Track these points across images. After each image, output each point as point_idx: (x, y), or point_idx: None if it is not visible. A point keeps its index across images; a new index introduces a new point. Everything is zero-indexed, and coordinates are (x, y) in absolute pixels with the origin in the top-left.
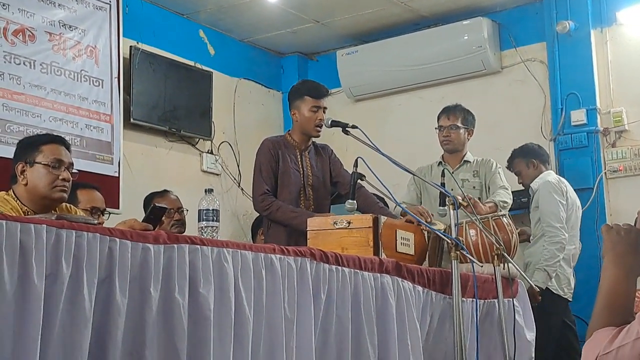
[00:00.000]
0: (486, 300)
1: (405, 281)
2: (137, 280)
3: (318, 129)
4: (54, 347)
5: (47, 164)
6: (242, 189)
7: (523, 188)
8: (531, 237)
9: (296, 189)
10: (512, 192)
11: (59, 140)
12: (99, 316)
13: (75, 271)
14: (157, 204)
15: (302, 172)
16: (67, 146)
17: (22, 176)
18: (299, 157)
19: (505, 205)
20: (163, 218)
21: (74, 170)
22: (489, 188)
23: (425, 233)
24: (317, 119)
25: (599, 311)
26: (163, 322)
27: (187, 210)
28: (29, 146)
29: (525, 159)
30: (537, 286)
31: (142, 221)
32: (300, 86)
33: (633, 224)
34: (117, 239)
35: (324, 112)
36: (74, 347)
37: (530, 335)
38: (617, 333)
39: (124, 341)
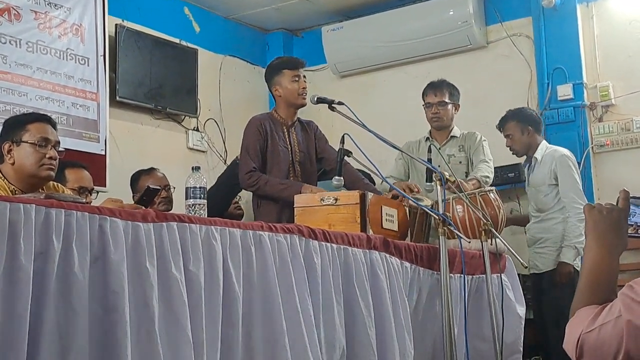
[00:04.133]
0: (474, 276)
1: (393, 257)
2: (132, 257)
3: (303, 97)
4: (48, 326)
5: (33, 143)
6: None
7: (511, 163)
8: (532, 212)
9: (285, 166)
10: (500, 167)
11: (45, 119)
12: (103, 293)
13: (64, 250)
14: (151, 186)
15: (290, 149)
16: (53, 124)
17: (8, 155)
18: (286, 133)
19: (487, 180)
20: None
21: (60, 149)
22: (472, 161)
23: (407, 209)
24: (300, 87)
25: (582, 289)
26: (165, 298)
27: (174, 188)
28: (15, 125)
29: (521, 123)
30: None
31: (135, 202)
32: (275, 63)
33: (615, 203)
34: (107, 217)
35: (305, 80)
36: (68, 324)
37: (521, 309)
38: (600, 311)
39: (131, 318)
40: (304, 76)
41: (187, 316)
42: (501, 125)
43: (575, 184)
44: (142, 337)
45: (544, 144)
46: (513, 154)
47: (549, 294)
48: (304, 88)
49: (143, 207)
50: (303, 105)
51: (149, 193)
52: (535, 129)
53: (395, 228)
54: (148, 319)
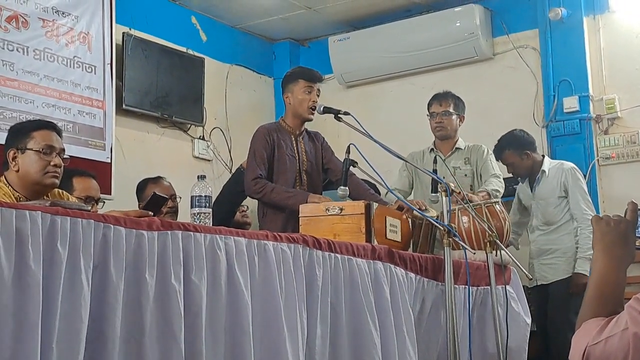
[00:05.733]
0: (479, 288)
1: (397, 268)
2: (132, 267)
3: (311, 110)
4: (57, 333)
5: (38, 150)
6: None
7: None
8: (539, 225)
9: (292, 174)
10: (505, 179)
11: (49, 126)
12: (96, 302)
13: (71, 257)
14: (157, 193)
15: (297, 158)
16: (58, 132)
17: (13, 162)
18: (294, 142)
19: (498, 194)
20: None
21: (65, 156)
22: (480, 175)
23: (409, 220)
24: (310, 100)
25: (588, 301)
26: (160, 308)
27: (180, 198)
28: (19, 132)
29: (518, 151)
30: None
31: (141, 209)
32: (294, 71)
33: (623, 215)
34: (112, 225)
35: (318, 95)
36: (75, 332)
37: (527, 320)
38: (606, 323)
39: (122, 327)
40: (319, 90)
41: (181, 326)
42: (499, 156)
43: (585, 196)
44: (132, 347)
45: (546, 158)
46: (517, 177)
47: (556, 304)
48: (314, 101)
49: (150, 213)
50: (309, 119)
51: (155, 200)
52: (531, 149)
53: (399, 239)
54: (139, 329)
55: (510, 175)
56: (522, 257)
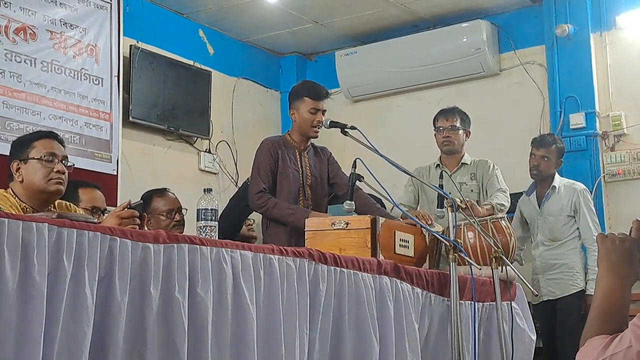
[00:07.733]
0: (484, 303)
1: (403, 283)
2: (137, 279)
3: (315, 129)
4: (58, 345)
5: (40, 158)
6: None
7: (520, 191)
8: (544, 240)
9: (295, 188)
10: (510, 194)
11: (50, 135)
12: (100, 315)
13: (76, 269)
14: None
15: (301, 172)
16: (60, 141)
17: (17, 174)
18: (298, 157)
19: (503, 208)
20: (161, 217)
21: (69, 163)
22: (486, 191)
23: (426, 235)
24: (315, 120)
25: (593, 319)
26: (163, 321)
27: (186, 210)
28: (21, 144)
29: (559, 153)
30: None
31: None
32: (301, 87)
33: (628, 233)
34: (118, 238)
35: (323, 114)
36: (77, 344)
37: (532, 337)
38: (610, 341)
39: (124, 340)
40: (324, 110)
41: (184, 339)
42: (543, 145)
43: (594, 218)
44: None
45: (556, 175)
46: (534, 174)
47: (565, 323)
48: (319, 121)
49: (136, 213)
50: (314, 137)
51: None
52: (562, 162)
53: (411, 254)
54: (141, 341)
55: (519, 191)
56: (525, 272)
